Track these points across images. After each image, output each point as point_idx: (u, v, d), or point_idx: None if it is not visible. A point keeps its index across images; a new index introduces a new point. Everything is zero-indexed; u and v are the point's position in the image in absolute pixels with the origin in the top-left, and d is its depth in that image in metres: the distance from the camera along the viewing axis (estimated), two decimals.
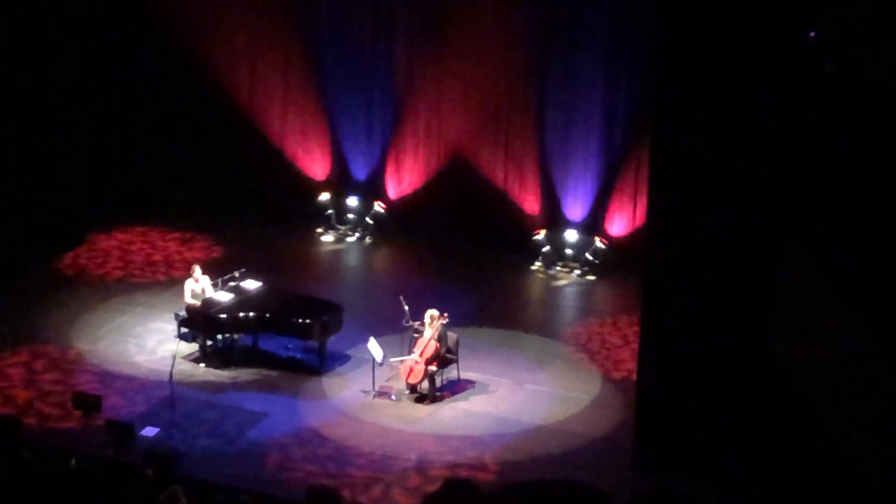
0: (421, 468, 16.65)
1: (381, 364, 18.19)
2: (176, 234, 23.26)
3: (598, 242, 22.22)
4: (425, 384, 18.15)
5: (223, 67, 23.93)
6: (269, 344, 19.22)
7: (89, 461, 15.32)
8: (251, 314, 18.89)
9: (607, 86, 21.85)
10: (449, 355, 18.40)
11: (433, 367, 18.10)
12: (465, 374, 18.59)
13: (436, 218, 23.32)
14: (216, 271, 19.78)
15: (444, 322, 18.28)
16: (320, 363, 18.81)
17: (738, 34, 14.84)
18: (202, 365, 18.84)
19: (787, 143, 14.91)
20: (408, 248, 23.38)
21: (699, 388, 15.88)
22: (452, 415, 17.89)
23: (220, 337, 19.06)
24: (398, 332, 18.68)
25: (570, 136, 22.21)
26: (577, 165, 22.25)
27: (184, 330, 19.09)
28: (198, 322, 18.94)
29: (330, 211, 23.70)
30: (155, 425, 17.17)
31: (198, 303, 19.06)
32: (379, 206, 23.54)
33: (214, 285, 19.35)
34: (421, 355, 18.08)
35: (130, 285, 21.40)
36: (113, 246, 22.81)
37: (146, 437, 16.89)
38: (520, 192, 22.74)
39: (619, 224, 22.19)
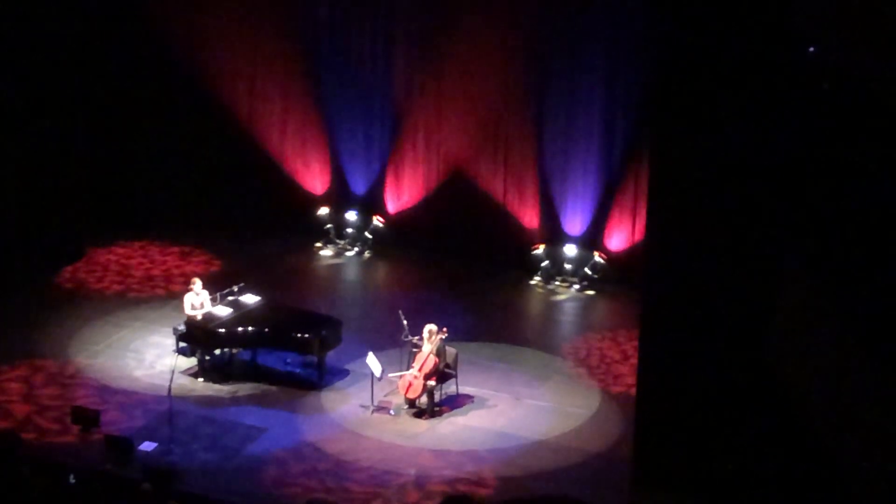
0: (419, 483, 16.64)
1: (379, 379, 18.18)
2: (175, 249, 23.27)
3: (597, 257, 22.22)
4: (424, 399, 18.14)
5: (223, 83, 23.97)
6: (268, 358, 19.20)
7: (88, 476, 15.34)
8: (250, 329, 18.88)
9: (606, 100, 21.88)
10: (448, 370, 18.39)
11: (432, 382, 18.09)
12: (464, 389, 18.57)
13: (435, 233, 23.34)
14: (215, 286, 19.78)
15: (443, 337, 18.28)
16: (319, 378, 18.80)
17: (736, 50, 14.85)
18: (201, 379, 18.83)
19: (786, 159, 14.92)
20: (406, 262, 23.38)
21: (698, 403, 15.86)
22: (451, 430, 17.88)
23: (218, 351, 19.05)
24: (397, 346, 18.66)
25: (569, 150, 22.23)
26: (576, 180, 22.27)
27: (182, 344, 19.08)
28: (196, 336, 18.94)
29: (329, 225, 23.72)
30: (153, 440, 17.16)
31: (197, 316, 19.05)
32: (378, 221, 23.56)
33: (213, 300, 19.35)
34: (420, 370, 18.08)
35: (129, 300, 21.41)
36: (112, 260, 22.82)
37: (145, 452, 16.87)
38: (519, 207, 22.76)
39: (618, 239, 22.20)
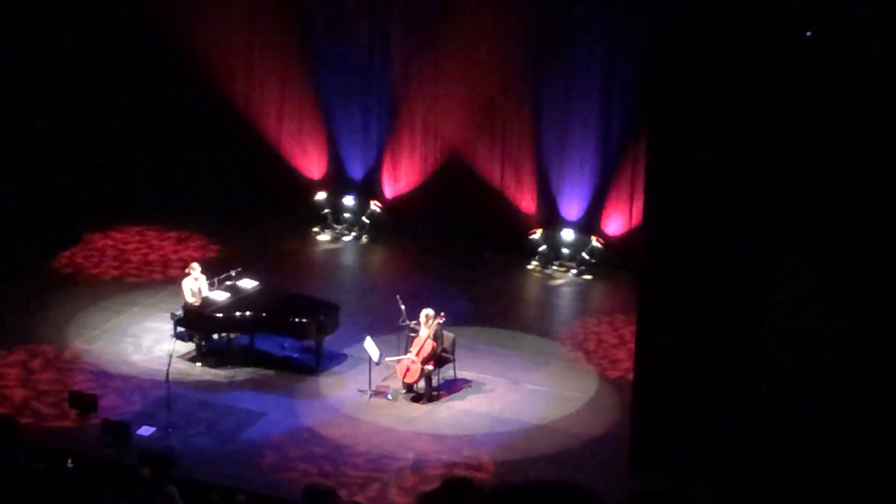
0: (417, 467, 16.66)
1: (377, 363, 18.18)
2: (172, 234, 23.24)
3: (595, 241, 22.20)
4: (422, 383, 18.15)
5: (220, 67, 23.90)
6: (266, 343, 19.19)
7: (85, 461, 15.33)
8: (247, 313, 18.87)
9: (603, 85, 21.85)
10: (445, 354, 18.39)
11: (429, 367, 18.09)
12: (462, 374, 18.58)
13: (432, 217, 23.30)
14: (213, 271, 19.76)
15: (441, 321, 18.27)
16: (317, 363, 18.80)
17: (733, 34, 14.84)
18: (198, 364, 18.83)
19: (783, 144, 14.92)
20: (404, 247, 23.35)
21: (695, 387, 15.88)
22: (449, 414, 17.89)
23: (216, 336, 19.05)
24: (394, 331, 18.65)
25: (566, 135, 22.20)
26: (573, 164, 22.24)
27: (180, 329, 19.07)
28: (194, 321, 18.93)
29: (326, 210, 23.68)
30: (151, 425, 17.17)
31: (197, 301, 19.04)
32: (375, 206, 23.52)
33: (211, 284, 19.33)
34: (417, 354, 18.08)
35: (126, 285, 21.38)
36: (109, 245, 22.78)
37: (142, 437, 16.88)
38: (516, 192, 22.72)
39: (615, 223, 22.18)
